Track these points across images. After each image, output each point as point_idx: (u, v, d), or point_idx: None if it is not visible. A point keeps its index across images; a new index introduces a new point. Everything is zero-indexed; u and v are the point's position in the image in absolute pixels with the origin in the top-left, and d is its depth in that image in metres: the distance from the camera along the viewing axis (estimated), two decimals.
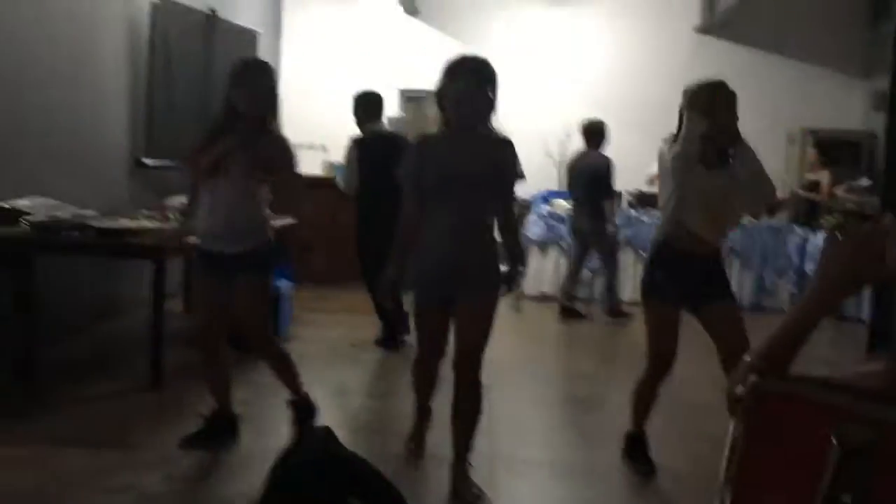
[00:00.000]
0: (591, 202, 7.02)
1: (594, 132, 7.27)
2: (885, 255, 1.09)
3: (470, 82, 3.10)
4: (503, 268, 3.26)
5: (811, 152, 8.35)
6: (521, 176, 3.27)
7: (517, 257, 3.36)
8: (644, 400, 3.53)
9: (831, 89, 9.83)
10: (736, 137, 3.30)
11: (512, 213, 3.39)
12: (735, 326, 3.25)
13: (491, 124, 3.20)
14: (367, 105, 5.87)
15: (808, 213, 8.60)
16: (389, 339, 5.61)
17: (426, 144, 3.30)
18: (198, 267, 3.58)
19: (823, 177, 7.84)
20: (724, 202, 3.30)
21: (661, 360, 3.42)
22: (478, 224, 3.17)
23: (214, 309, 3.48)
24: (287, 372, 3.68)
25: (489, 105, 3.15)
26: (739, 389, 0.92)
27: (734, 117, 3.30)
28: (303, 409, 3.67)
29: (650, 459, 3.53)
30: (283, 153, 3.48)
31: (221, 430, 3.57)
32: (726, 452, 0.90)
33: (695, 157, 3.27)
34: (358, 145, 5.62)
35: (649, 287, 3.44)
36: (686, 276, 3.32)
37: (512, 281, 3.29)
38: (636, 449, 3.56)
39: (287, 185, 3.55)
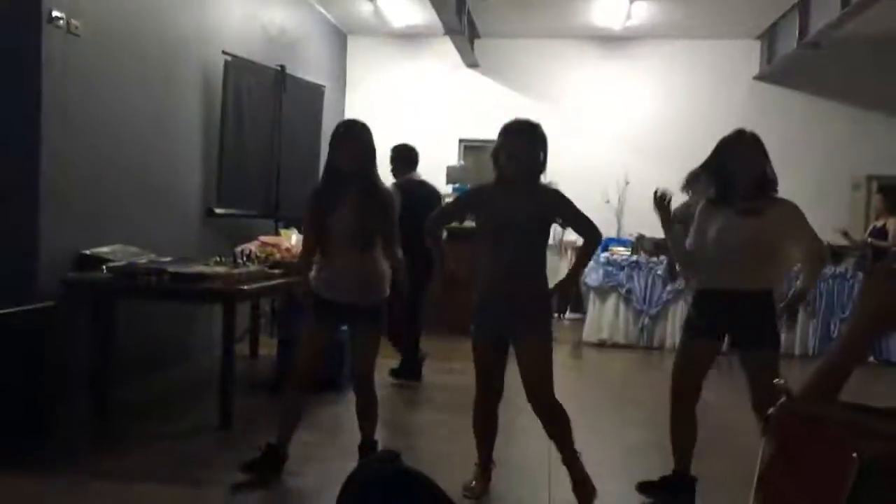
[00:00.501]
0: None
1: (697, 180, 7.35)
2: None
3: (520, 142, 3.47)
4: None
5: (877, 198, 8.24)
6: (576, 207, 3.57)
7: (569, 274, 3.72)
8: (678, 435, 3.63)
9: (894, 135, 9.68)
10: (755, 185, 3.41)
11: (587, 231, 3.61)
12: (767, 374, 3.26)
13: (539, 180, 3.55)
14: (404, 156, 6.19)
15: (874, 260, 8.44)
16: (408, 371, 5.99)
17: (479, 193, 3.67)
18: (312, 314, 3.80)
19: (891, 223, 7.72)
20: (752, 249, 3.37)
21: (683, 391, 3.57)
22: (528, 266, 3.47)
23: (318, 352, 3.82)
24: (372, 416, 3.89)
25: (537, 162, 3.49)
26: (770, 410, 0.99)
27: (748, 164, 3.40)
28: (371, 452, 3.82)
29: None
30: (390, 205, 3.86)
31: (275, 463, 3.77)
32: (757, 470, 0.98)
33: (707, 207, 3.56)
34: (399, 190, 5.81)
35: (686, 321, 3.68)
36: (721, 317, 3.46)
37: (563, 298, 3.69)
38: (667, 486, 3.67)
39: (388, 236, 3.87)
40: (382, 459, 1.48)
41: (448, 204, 3.71)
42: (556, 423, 3.49)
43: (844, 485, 0.87)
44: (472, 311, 3.52)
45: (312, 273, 3.80)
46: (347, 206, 3.68)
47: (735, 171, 3.44)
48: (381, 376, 5.78)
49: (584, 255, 3.74)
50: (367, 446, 3.89)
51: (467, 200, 3.74)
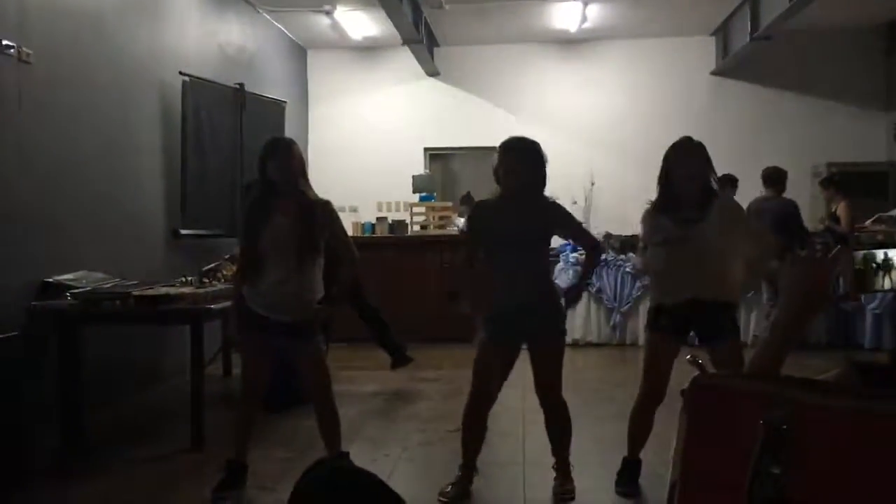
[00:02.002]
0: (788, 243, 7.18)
1: (778, 177, 7.57)
2: (828, 284, 1.23)
3: (518, 158, 3.64)
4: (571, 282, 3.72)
5: (819, 188, 8.35)
6: (578, 222, 3.84)
7: (580, 279, 3.94)
8: (637, 427, 3.74)
9: (853, 123, 9.88)
10: (698, 192, 3.47)
11: (588, 244, 3.89)
12: (736, 364, 3.35)
13: (541, 193, 3.69)
14: None
15: (836, 244, 8.58)
16: (400, 356, 6.34)
17: (483, 209, 3.76)
18: (250, 328, 3.78)
19: (841, 208, 7.86)
20: (700, 257, 3.41)
21: (650, 388, 3.65)
22: (536, 271, 3.66)
23: (260, 368, 3.82)
24: (333, 431, 3.87)
25: (536, 177, 3.65)
26: (685, 386, 1.04)
27: (695, 171, 3.46)
28: None
29: (637, 485, 3.73)
30: (329, 217, 3.83)
31: (240, 476, 3.79)
32: (673, 445, 1.02)
33: (651, 213, 3.62)
34: None
35: (649, 321, 3.70)
36: (682, 322, 3.55)
37: (572, 297, 3.84)
38: (625, 472, 3.78)
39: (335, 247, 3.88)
40: (330, 462, 1.49)
41: (467, 237, 3.82)
42: (563, 420, 3.72)
43: (752, 452, 0.92)
44: (485, 319, 3.63)
45: (245, 290, 3.76)
46: (282, 220, 3.67)
47: (678, 178, 3.48)
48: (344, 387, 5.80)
49: (590, 265, 3.97)
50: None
51: (476, 221, 3.77)
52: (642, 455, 3.78)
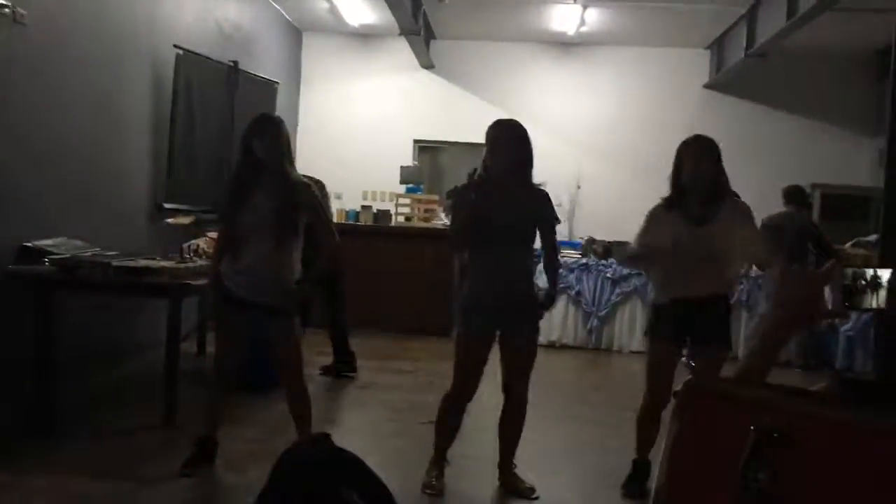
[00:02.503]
0: (800, 258, 7.24)
1: (799, 194, 7.62)
2: (819, 298, 1.25)
3: (504, 139, 3.59)
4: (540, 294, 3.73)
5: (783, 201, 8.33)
6: (557, 221, 3.76)
7: (553, 286, 3.83)
8: (644, 430, 3.74)
9: (840, 146, 9.98)
10: (707, 190, 3.47)
11: (554, 250, 3.84)
12: (713, 373, 3.36)
13: (529, 178, 3.64)
14: None
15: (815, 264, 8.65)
16: (342, 364, 6.08)
17: (467, 193, 3.64)
18: (227, 308, 3.75)
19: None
20: (708, 258, 3.42)
21: (654, 394, 3.66)
22: (521, 264, 3.61)
23: (234, 348, 3.81)
24: (305, 415, 3.87)
25: (523, 160, 3.61)
26: (675, 390, 1.05)
27: (703, 169, 3.45)
28: None
29: (643, 487, 3.71)
30: (311, 198, 3.78)
31: (209, 453, 3.80)
32: (663, 449, 1.02)
33: (660, 210, 3.57)
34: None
35: (650, 327, 3.71)
36: (681, 325, 3.50)
37: (549, 304, 3.76)
38: (634, 475, 3.78)
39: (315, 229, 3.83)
40: (313, 440, 1.49)
41: (454, 216, 3.71)
42: (521, 418, 3.72)
43: (741, 456, 0.93)
44: (464, 308, 3.59)
45: (223, 269, 3.74)
46: (264, 199, 3.64)
47: (687, 175, 3.48)
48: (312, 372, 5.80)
49: (554, 268, 3.86)
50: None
51: (464, 201, 3.62)
52: (625, 461, 3.80)
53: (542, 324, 8.29)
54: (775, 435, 0.93)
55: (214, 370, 3.86)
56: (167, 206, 6.49)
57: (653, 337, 3.69)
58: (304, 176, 3.91)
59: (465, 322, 3.60)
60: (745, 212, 3.56)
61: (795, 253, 7.31)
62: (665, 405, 3.61)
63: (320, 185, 4.21)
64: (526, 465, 3.82)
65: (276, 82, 8.29)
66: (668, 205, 3.58)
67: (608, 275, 8.09)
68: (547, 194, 3.69)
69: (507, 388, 3.70)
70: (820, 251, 7.43)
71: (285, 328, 3.74)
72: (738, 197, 3.64)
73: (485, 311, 3.55)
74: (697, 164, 3.47)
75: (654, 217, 3.63)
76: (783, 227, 7.45)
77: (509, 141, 3.55)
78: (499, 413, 3.76)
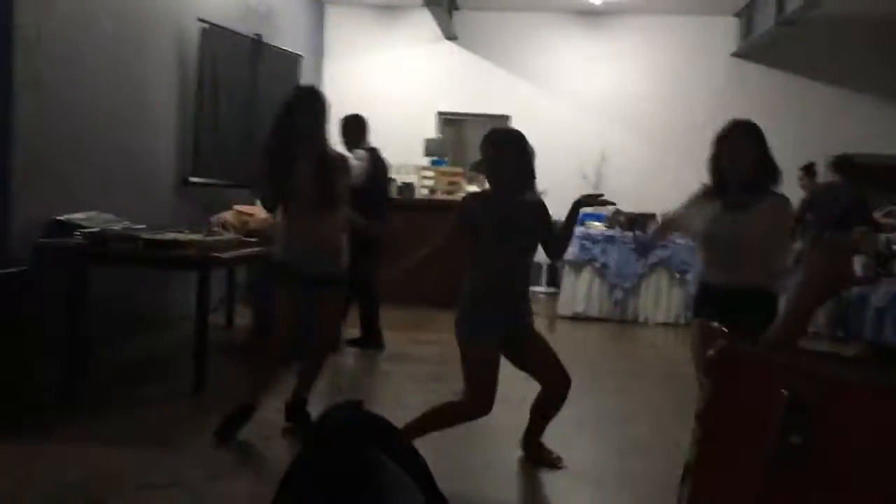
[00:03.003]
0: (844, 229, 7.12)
1: (847, 163, 7.46)
2: (847, 266, 1.24)
3: (502, 152, 3.50)
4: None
5: (799, 173, 8.13)
6: (553, 231, 3.66)
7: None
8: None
9: (872, 115, 9.80)
10: (746, 177, 3.25)
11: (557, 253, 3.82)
12: None
13: (529, 186, 3.57)
14: (362, 125, 6.09)
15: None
16: (368, 341, 6.06)
17: (471, 206, 3.57)
18: (284, 280, 3.85)
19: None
20: (736, 244, 3.23)
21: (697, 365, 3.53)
22: (524, 277, 3.59)
23: (293, 319, 3.88)
24: (311, 381, 4.02)
25: (522, 170, 3.51)
26: (710, 353, 1.04)
27: (743, 159, 3.25)
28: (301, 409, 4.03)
29: None
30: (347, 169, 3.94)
31: (246, 417, 3.85)
32: (695, 409, 1.02)
33: (699, 196, 3.41)
34: (372, 158, 5.86)
35: (696, 303, 3.53)
36: (714, 309, 3.32)
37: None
38: None
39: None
40: (348, 406, 1.51)
41: (453, 228, 3.55)
42: (564, 398, 3.66)
43: (774, 420, 0.93)
44: (473, 314, 3.47)
45: (277, 241, 3.86)
46: (306, 170, 3.71)
47: (725, 163, 3.28)
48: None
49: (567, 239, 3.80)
50: (298, 405, 4.01)
51: (466, 216, 3.54)
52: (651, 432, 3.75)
53: (567, 295, 8.33)
54: (808, 398, 0.92)
55: (271, 341, 3.90)
56: (193, 180, 6.54)
57: (695, 315, 3.55)
58: None
59: (477, 327, 3.46)
60: (781, 211, 3.29)
61: (841, 227, 7.12)
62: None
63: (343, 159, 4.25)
64: (552, 438, 3.84)
65: (300, 55, 8.28)
66: (707, 193, 3.42)
67: (633, 247, 8.04)
68: (545, 205, 3.64)
69: (560, 381, 3.63)
70: (868, 227, 7.22)
71: (333, 297, 3.89)
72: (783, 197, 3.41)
73: (499, 312, 3.47)
74: (735, 156, 3.26)
75: (694, 198, 3.49)
76: (829, 202, 7.27)
77: (509, 157, 3.49)
78: (525, 383, 3.73)
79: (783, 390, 0.93)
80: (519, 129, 3.67)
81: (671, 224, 3.77)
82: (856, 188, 7.34)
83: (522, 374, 3.65)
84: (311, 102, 3.80)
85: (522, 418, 3.80)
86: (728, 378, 1.01)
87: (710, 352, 1.04)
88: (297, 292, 3.84)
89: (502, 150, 3.50)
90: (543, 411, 3.73)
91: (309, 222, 3.75)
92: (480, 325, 3.45)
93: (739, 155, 3.27)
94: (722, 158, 3.32)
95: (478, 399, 3.43)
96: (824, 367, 0.97)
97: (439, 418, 3.59)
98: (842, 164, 7.46)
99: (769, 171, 3.30)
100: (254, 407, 3.87)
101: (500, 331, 3.48)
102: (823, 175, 7.57)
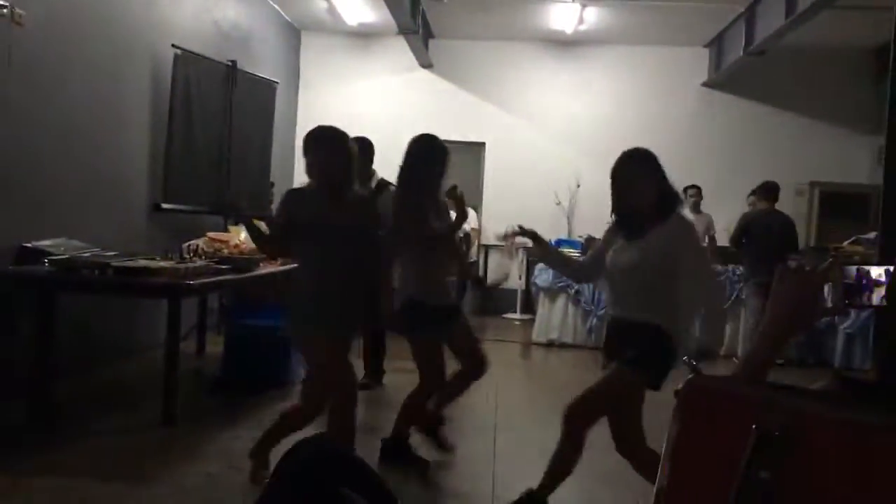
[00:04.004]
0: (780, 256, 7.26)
1: (774, 190, 7.64)
2: (817, 298, 1.25)
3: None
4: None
5: (751, 199, 8.22)
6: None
7: None
8: None
9: (839, 143, 9.99)
10: (644, 207, 3.19)
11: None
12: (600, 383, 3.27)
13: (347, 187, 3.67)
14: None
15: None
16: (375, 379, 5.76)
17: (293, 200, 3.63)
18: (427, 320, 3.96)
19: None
20: (633, 275, 3.15)
21: None
22: (357, 276, 3.65)
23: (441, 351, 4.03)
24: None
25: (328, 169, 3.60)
26: (677, 388, 1.05)
27: (631, 187, 3.21)
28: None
29: None
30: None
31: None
32: (664, 446, 1.02)
33: (609, 231, 3.39)
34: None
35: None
36: (612, 343, 3.30)
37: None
38: None
39: None
40: (312, 441, 1.49)
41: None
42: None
43: (743, 454, 0.93)
44: (307, 309, 3.49)
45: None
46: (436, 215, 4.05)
47: (620, 194, 3.25)
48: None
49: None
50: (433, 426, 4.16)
51: (280, 213, 3.68)
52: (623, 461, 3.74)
53: (542, 322, 8.32)
54: (777, 434, 0.93)
55: (430, 377, 3.93)
56: (165, 206, 6.49)
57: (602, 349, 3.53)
58: None
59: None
60: (683, 230, 3.19)
61: (783, 252, 7.32)
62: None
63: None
64: (526, 464, 3.82)
65: (276, 82, 8.29)
66: (614, 225, 3.40)
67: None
68: (372, 205, 3.96)
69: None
70: (794, 250, 7.46)
71: (464, 323, 4.19)
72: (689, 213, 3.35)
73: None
74: (628, 187, 3.21)
75: (605, 233, 3.47)
76: (767, 227, 7.46)
77: (320, 157, 3.66)
78: (494, 411, 3.75)
79: (752, 425, 0.93)
80: (338, 126, 3.77)
81: (552, 261, 3.86)
82: (787, 216, 7.62)
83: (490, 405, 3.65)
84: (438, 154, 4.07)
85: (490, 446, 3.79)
86: (696, 413, 1.02)
87: (678, 387, 1.04)
88: (437, 327, 3.90)
89: (311, 151, 3.61)
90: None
91: (441, 261, 3.98)
92: (313, 319, 3.43)
93: (633, 186, 3.19)
94: (617, 191, 3.30)
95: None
96: (793, 401, 0.98)
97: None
98: (769, 191, 7.63)
99: (667, 197, 3.22)
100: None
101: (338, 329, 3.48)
102: (754, 204, 7.72)
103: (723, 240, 8.26)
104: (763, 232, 7.46)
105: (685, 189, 7.82)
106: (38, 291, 4.48)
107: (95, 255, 4.72)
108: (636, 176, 3.23)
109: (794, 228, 7.68)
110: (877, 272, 1.32)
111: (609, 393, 3.19)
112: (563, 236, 9.41)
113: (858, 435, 0.92)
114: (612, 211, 3.34)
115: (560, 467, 3.25)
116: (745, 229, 7.56)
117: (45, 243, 4.71)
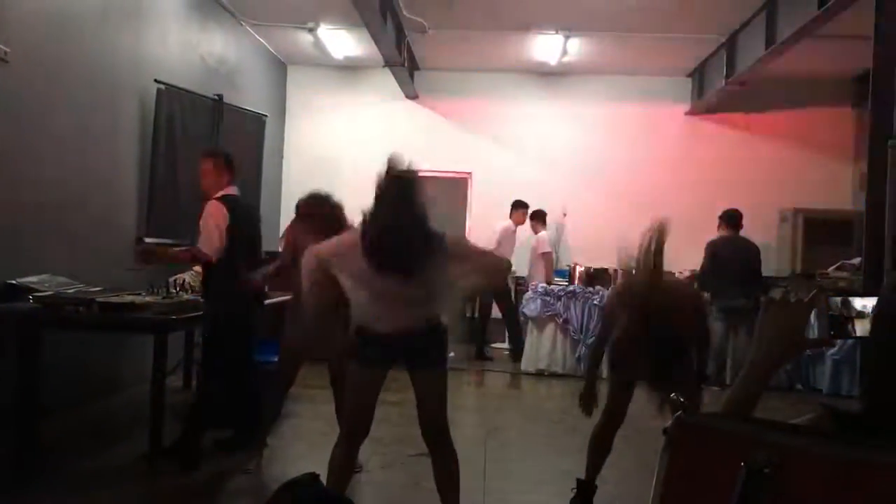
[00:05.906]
0: (749, 283, 7.39)
1: (737, 218, 7.74)
2: (803, 328, 1.26)
3: None
4: None
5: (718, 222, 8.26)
6: None
7: None
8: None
9: (821, 170, 10.09)
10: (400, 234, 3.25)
11: None
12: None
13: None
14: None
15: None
16: None
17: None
18: None
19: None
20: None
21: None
22: None
23: None
24: None
25: None
26: (666, 425, 1.04)
27: (389, 216, 3.24)
28: None
29: None
30: None
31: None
32: (654, 485, 1.02)
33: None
34: None
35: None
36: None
37: None
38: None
39: None
40: (302, 482, 1.48)
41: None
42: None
43: (733, 492, 0.93)
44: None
45: None
46: None
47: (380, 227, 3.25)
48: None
49: None
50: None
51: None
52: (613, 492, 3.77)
53: (531, 351, 8.33)
54: (766, 471, 0.93)
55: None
56: (148, 240, 6.46)
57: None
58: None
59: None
60: (458, 246, 3.34)
61: (744, 278, 7.43)
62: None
63: None
64: (516, 493, 3.79)
65: (264, 115, 8.32)
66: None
67: (595, 302, 8.08)
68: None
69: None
70: (757, 276, 7.59)
71: None
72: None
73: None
74: (388, 209, 3.24)
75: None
76: (731, 255, 7.54)
77: None
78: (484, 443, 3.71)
79: (740, 461, 0.93)
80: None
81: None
82: (751, 243, 7.71)
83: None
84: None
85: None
86: (685, 450, 1.01)
87: (667, 425, 1.04)
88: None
89: None
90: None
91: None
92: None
93: (391, 212, 3.21)
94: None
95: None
96: (780, 436, 0.98)
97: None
98: (731, 218, 7.73)
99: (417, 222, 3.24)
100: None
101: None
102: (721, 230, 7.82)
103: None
104: (725, 258, 7.52)
105: None
106: (22, 329, 4.43)
107: (80, 291, 4.68)
108: (392, 203, 3.31)
109: (758, 255, 7.72)
110: (861, 304, 1.33)
111: None
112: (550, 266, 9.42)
113: (845, 471, 0.92)
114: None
115: None
116: (712, 256, 7.63)
117: (30, 280, 4.67)
